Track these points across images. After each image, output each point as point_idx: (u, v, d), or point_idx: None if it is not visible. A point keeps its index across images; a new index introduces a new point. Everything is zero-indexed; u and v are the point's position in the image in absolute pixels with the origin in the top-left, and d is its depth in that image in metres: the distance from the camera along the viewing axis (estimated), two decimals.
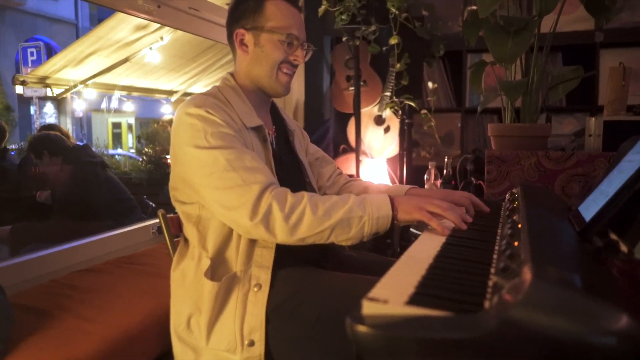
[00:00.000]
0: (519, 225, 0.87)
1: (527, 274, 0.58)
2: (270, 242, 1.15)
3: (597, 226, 0.83)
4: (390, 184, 1.45)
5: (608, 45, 2.68)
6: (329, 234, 1.07)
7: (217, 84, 1.30)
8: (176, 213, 1.34)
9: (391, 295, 0.63)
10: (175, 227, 1.29)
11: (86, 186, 2.72)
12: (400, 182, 2.81)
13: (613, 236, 0.80)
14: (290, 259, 1.19)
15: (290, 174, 1.34)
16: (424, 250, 0.90)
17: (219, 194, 1.09)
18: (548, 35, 1.75)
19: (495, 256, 0.83)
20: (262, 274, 1.15)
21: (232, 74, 1.31)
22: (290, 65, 1.27)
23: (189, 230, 1.23)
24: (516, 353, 0.50)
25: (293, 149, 1.39)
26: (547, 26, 1.78)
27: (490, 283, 0.67)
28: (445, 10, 2.97)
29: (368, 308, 0.59)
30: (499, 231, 1.04)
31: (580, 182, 1.58)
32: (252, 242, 1.16)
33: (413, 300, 0.61)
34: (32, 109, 12.00)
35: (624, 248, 0.75)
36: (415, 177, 2.83)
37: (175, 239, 1.31)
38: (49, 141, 2.84)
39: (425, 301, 0.60)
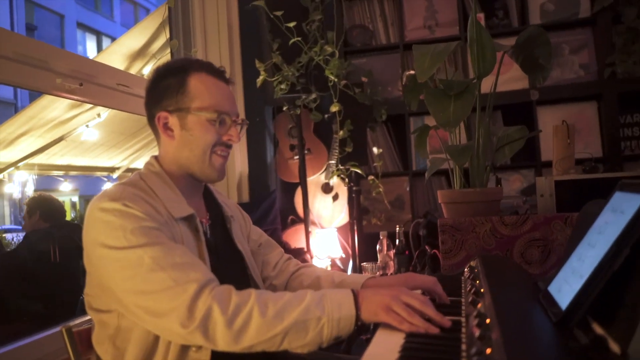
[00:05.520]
0: (487, 321, 0.73)
1: None
2: (206, 350, 0.96)
3: (576, 316, 0.71)
4: (342, 268, 1.29)
5: (543, 102, 2.73)
6: (281, 340, 0.90)
7: None
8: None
9: None
10: (84, 344, 1.08)
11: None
12: (353, 252, 2.67)
13: (598, 329, 0.68)
14: None
15: (230, 267, 1.17)
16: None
17: (144, 299, 0.91)
18: (489, 95, 1.72)
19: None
20: None
21: (156, 158, 1.16)
22: (225, 147, 1.13)
23: (102, 347, 1.02)
24: None
25: (231, 238, 1.22)
26: (485, 87, 1.75)
27: None
28: (384, 75, 2.98)
29: None
30: (463, 320, 0.90)
31: (539, 247, 1.49)
32: (183, 355, 0.97)
33: None
34: None
35: (614, 347, 0.62)
36: (367, 245, 2.70)
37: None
38: None
39: None
